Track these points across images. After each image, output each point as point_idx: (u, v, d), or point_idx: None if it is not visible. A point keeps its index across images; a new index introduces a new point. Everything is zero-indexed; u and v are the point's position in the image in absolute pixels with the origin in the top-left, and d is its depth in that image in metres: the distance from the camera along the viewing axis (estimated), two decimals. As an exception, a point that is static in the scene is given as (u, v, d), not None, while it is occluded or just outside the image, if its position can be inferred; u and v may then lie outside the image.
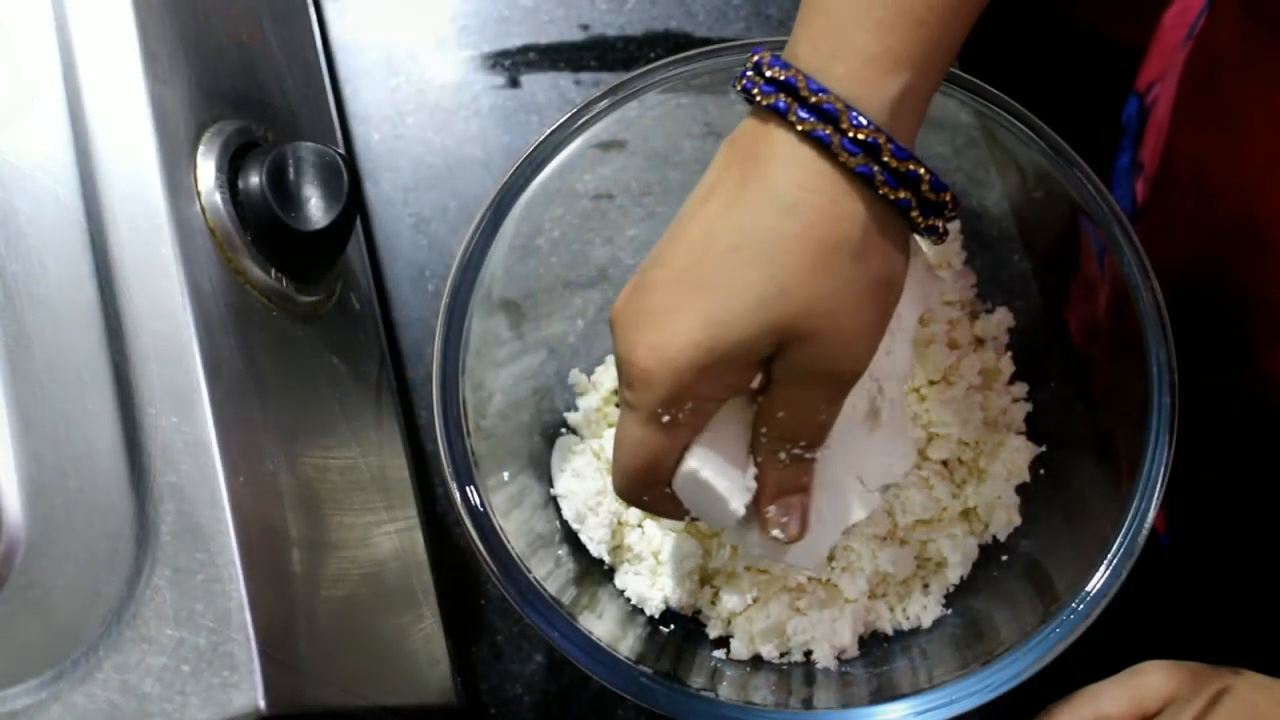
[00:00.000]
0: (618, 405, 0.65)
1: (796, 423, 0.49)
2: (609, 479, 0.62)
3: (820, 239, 0.46)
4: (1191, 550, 0.77)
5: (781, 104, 0.46)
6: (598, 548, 0.62)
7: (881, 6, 0.46)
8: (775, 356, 0.47)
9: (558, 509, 0.63)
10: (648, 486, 0.50)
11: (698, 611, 0.62)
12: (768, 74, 0.46)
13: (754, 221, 0.46)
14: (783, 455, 0.50)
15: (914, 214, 0.47)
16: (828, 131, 0.45)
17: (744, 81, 0.48)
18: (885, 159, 0.46)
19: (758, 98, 0.47)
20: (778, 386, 0.48)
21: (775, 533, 0.51)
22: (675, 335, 0.46)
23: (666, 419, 0.48)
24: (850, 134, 0.45)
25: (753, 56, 0.48)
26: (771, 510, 0.51)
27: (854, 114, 0.45)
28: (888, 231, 0.47)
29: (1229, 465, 0.75)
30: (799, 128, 0.45)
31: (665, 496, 0.51)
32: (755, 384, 0.49)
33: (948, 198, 0.47)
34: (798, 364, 0.47)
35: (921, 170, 0.46)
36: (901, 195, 0.46)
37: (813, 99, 0.45)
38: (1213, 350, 0.70)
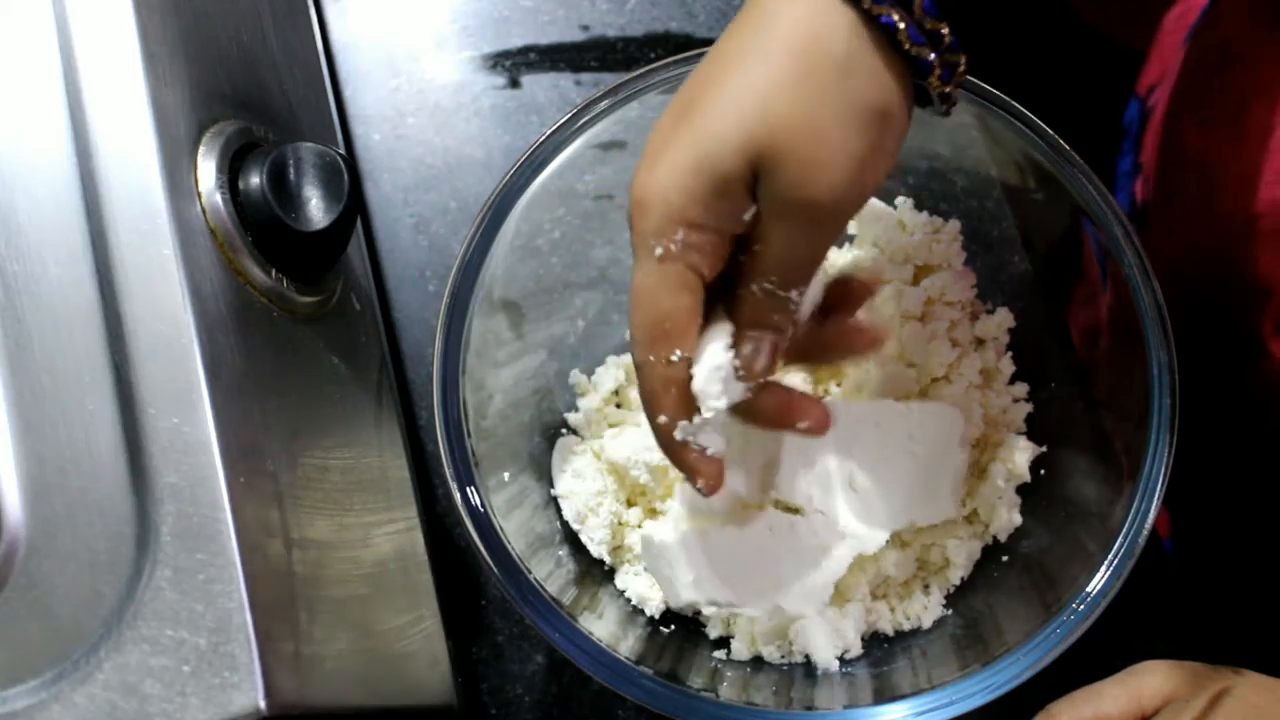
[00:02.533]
0: (618, 405, 0.65)
1: (773, 258, 0.48)
2: (609, 479, 0.62)
3: (800, 49, 0.45)
4: (1192, 551, 0.77)
5: None
6: (598, 548, 0.62)
7: None
8: (758, 187, 0.46)
9: (558, 509, 0.63)
10: (657, 341, 0.49)
11: (698, 612, 0.62)
12: None
13: (738, 40, 0.47)
14: (756, 289, 0.48)
15: (908, 43, 0.46)
16: None
17: None
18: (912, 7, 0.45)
19: None
20: (758, 220, 0.47)
21: (740, 370, 0.50)
22: (664, 162, 0.47)
23: (659, 251, 0.47)
24: None
25: None
26: (744, 347, 0.49)
27: None
28: (878, 54, 0.46)
29: (1230, 465, 0.75)
30: None
31: (670, 368, 0.49)
32: (747, 217, 0.48)
33: (961, 61, 0.47)
34: (776, 189, 0.46)
35: (944, 30, 0.46)
36: (893, 15, 0.45)
37: None
38: (1220, 344, 0.70)
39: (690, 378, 0.49)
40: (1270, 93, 0.64)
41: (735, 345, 0.50)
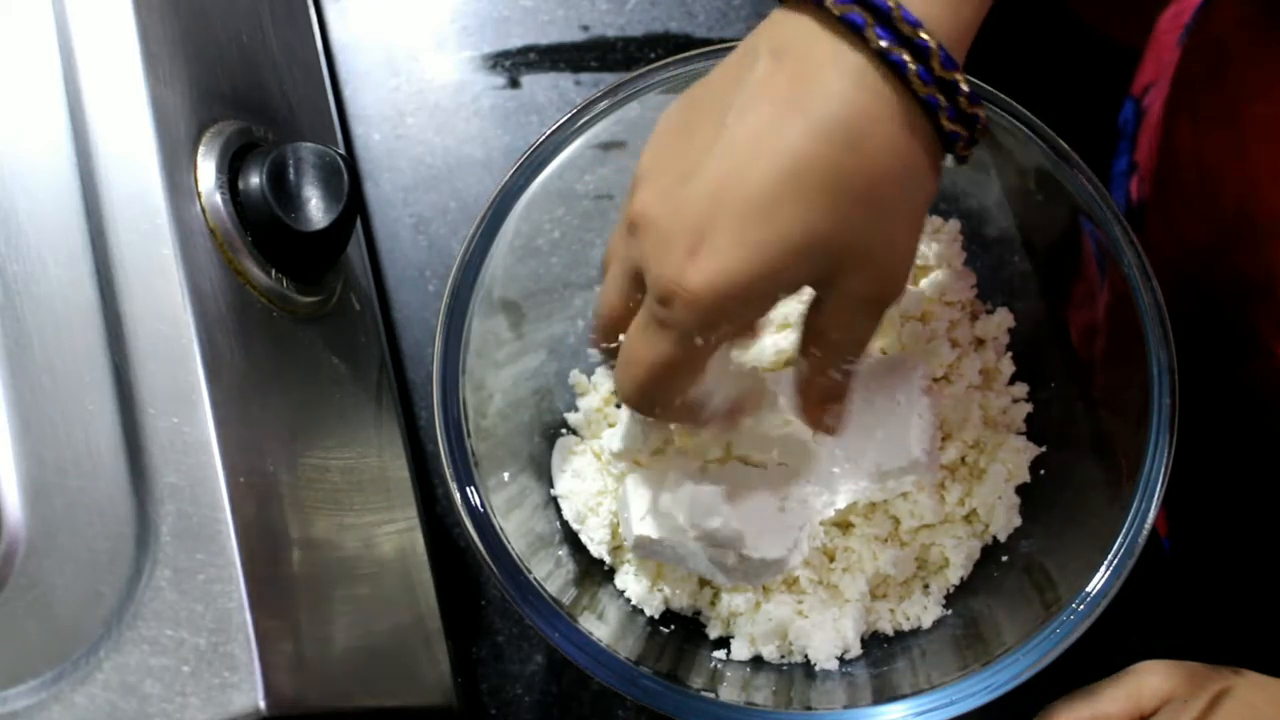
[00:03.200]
0: (617, 405, 0.65)
1: (841, 341, 0.49)
2: (609, 479, 0.62)
3: (882, 173, 0.44)
4: (1192, 550, 0.77)
5: (858, 17, 0.43)
6: (598, 548, 0.62)
7: None
8: (822, 279, 0.47)
9: (558, 509, 0.63)
10: (665, 397, 0.49)
11: (698, 612, 0.62)
12: None
13: (814, 149, 0.44)
14: (831, 370, 0.51)
15: (960, 147, 0.46)
16: (905, 57, 0.43)
17: None
18: (959, 100, 0.45)
19: (828, 4, 0.43)
20: (824, 308, 0.48)
21: (820, 432, 0.54)
22: (727, 260, 0.44)
23: (700, 342, 0.47)
24: (932, 68, 0.44)
25: None
26: (822, 417, 0.53)
27: (943, 52, 0.43)
28: (934, 160, 0.46)
29: (1230, 465, 0.75)
30: (874, 47, 0.43)
31: (680, 407, 0.50)
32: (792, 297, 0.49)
33: (982, 128, 0.47)
34: (846, 290, 0.47)
35: (982, 114, 0.46)
36: (957, 130, 0.45)
37: (905, 29, 0.43)
38: (1219, 343, 0.70)
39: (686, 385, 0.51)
40: (1267, 91, 0.64)
41: (811, 418, 0.53)
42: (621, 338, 0.50)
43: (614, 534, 0.62)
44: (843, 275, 0.46)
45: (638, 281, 0.48)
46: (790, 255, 0.45)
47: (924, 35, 0.44)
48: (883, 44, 0.43)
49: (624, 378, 0.49)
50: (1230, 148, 0.66)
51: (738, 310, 0.46)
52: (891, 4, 0.44)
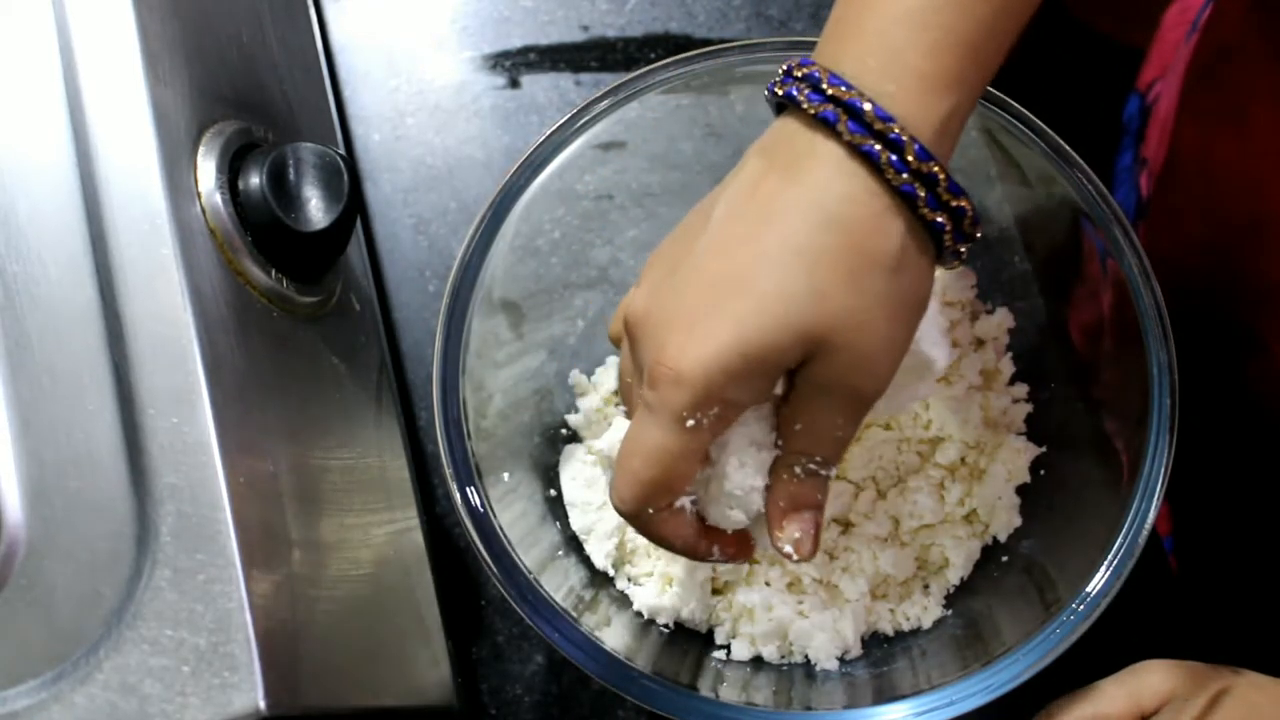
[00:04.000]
0: (618, 405, 0.65)
1: (814, 437, 0.49)
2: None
3: (859, 251, 0.45)
4: (1193, 550, 0.77)
5: (830, 114, 0.45)
6: (603, 561, 0.62)
7: (935, 27, 0.45)
8: (800, 367, 0.47)
9: (560, 511, 0.63)
10: (660, 496, 0.49)
11: (710, 629, 0.62)
12: (828, 90, 0.46)
13: (794, 230, 0.45)
14: (798, 469, 0.49)
15: (946, 240, 0.47)
16: (877, 148, 0.45)
17: (787, 87, 0.47)
18: (938, 189, 0.46)
19: (805, 106, 0.46)
20: (799, 399, 0.48)
21: (786, 549, 0.50)
22: (709, 337, 0.45)
23: (691, 424, 0.47)
24: (908, 160, 0.45)
25: (800, 65, 0.47)
26: (786, 526, 0.50)
27: (917, 145, 0.45)
28: (923, 251, 0.47)
29: (1231, 465, 0.75)
30: (847, 139, 0.45)
31: (671, 516, 0.50)
32: (779, 390, 0.49)
33: (979, 232, 0.48)
34: (822, 376, 0.47)
35: (966, 205, 0.46)
36: (940, 220, 0.46)
37: (877, 125, 0.45)
38: (1220, 343, 0.70)
39: (683, 508, 0.50)
40: (1273, 93, 0.64)
41: (776, 527, 0.50)
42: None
43: (619, 546, 0.62)
44: (816, 358, 0.46)
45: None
46: (774, 333, 0.45)
47: (896, 130, 0.45)
48: (855, 137, 0.45)
49: (619, 474, 0.49)
50: (1236, 149, 0.66)
51: (723, 386, 0.46)
52: (865, 103, 0.45)
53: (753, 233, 0.46)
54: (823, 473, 0.50)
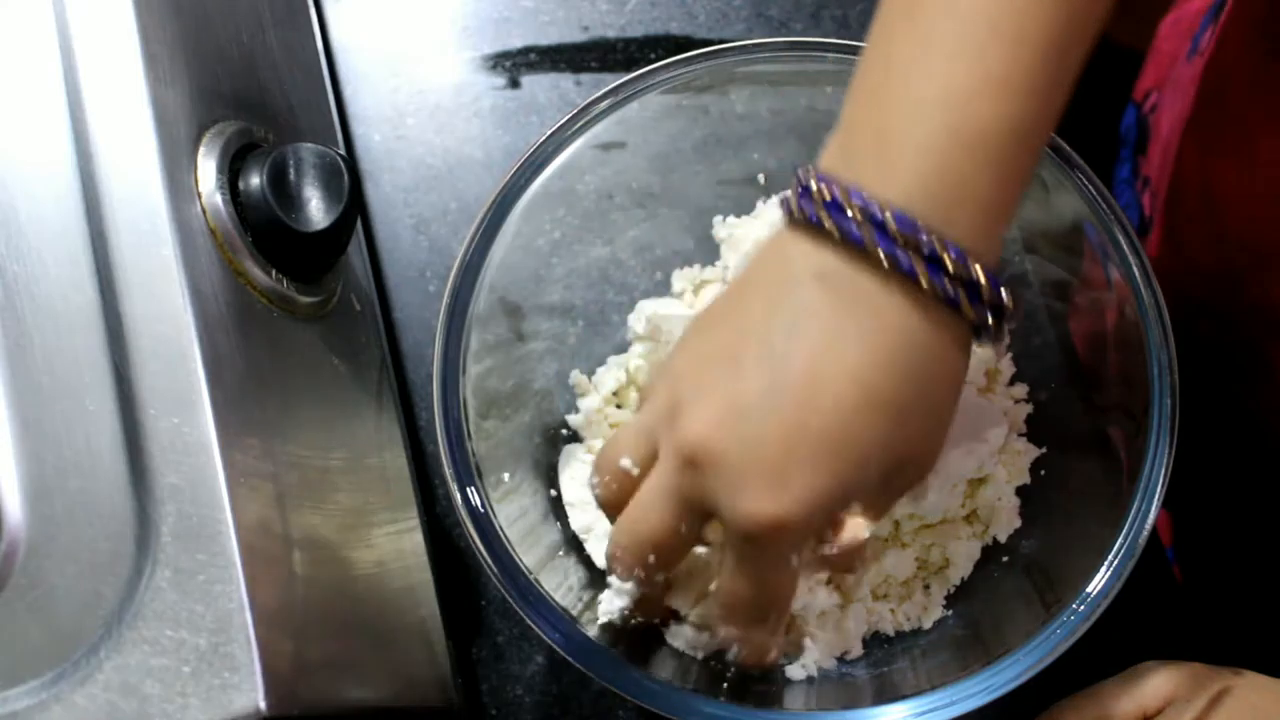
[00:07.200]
0: (618, 406, 0.65)
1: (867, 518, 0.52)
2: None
3: (940, 388, 0.47)
4: (1195, 555, 0.77)
5: (907, 264, 0.44)
6: (604, 561, 0.61)
7: (999, 161, 0.45)
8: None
9: (560, 511, 0.63)
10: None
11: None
12: (894, 233, 0.44)
13: (878, 379, 0.45)
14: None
15: (993, 327, 0.47)
16: (957, 293, 0.45)
17: (844, 223, 0.44)
18: (1005, 322, 0.46)
19: (884, 261, 0.44)
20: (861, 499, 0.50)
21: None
22: (809, 492, 0.45)
23: (795, 561, 0.48)
24: (984, 299, 0.45)
25: (850, 196, 0.44)
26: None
27: (993, 280, 0.45)
28: (963, 358, 0.48)
29: (1234, 482, 0.75)
30: (926, 288, 0.44)
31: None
32: None
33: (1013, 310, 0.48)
34: (894, 488, 0.49)
35: (1005, 299, 0.46)
36: (1002, 333, 0.47)
37: (955, 269, 0.44)
38: (1228, 370, 0.70)
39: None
40: (1275, 123, 0.63)
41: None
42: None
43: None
44: (895, 477, 0.48)
45: (698, 513, 0.48)
46: (864, 474, 0.46)
47: (975, 272, 0.45)
48: (936, 288, 0.44)
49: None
50: (1243, 181, 0.66)
51: (821, 525, 0.48)
52: (944, 252, 0.44)
53: (829, 377, 0.45)
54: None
